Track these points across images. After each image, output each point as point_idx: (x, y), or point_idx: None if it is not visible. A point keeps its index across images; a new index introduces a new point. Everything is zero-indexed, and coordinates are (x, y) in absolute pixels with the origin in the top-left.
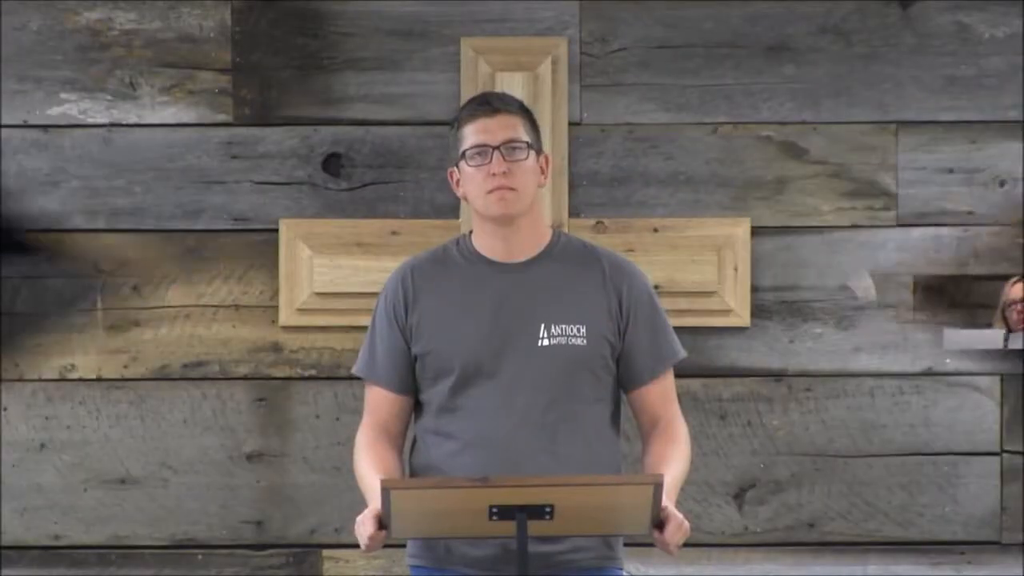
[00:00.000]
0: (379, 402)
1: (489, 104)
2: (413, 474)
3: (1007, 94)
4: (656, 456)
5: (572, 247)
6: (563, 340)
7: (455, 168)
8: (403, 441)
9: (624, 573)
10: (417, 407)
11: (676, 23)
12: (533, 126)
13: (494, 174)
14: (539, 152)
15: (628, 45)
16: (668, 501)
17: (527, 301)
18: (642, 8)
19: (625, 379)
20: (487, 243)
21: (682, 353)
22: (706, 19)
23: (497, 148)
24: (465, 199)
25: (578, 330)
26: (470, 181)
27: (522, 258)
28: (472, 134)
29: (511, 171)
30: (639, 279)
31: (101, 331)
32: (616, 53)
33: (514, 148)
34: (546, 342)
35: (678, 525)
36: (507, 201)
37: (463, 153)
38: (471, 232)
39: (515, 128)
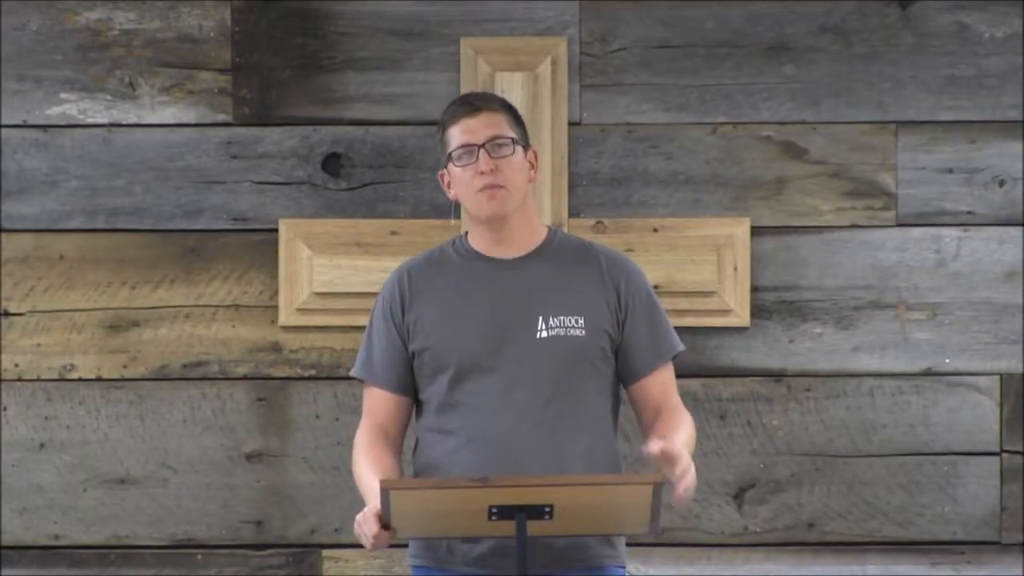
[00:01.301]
0: (377, 403)
1: (470, 103)
2: (417, 474)
3: (1007, 94)
4: (663, 428)
5: (569, 243)
6: (562, 331)
7: (444, 171)
8: (401, 443)
9: (625, 571)
10: (418, 407)
11: (676, 23)
12: (518, 121)
13: (482, 172)
14: (526, 147)
15: (628, 45)
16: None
17: (524, 295)
18: (642, 8)
19: (625, 373)
20: (482, 241)
21: (680, 346)
22: (706, 19)
23: (482, 146)
24: (457, 200)
25: (576, 321)
26: (459, 182)
27: (518, 254)
28: (457, 135)
29: (499, 168)
30: (636, 274)
31: (101, 331)
32: (616, 53)
33: (499, 144)
34: (544, 334)
35: (685, 468)
36: (498, 200)
37: (450, 155)
38: (467, 232)
39: (498, 125)
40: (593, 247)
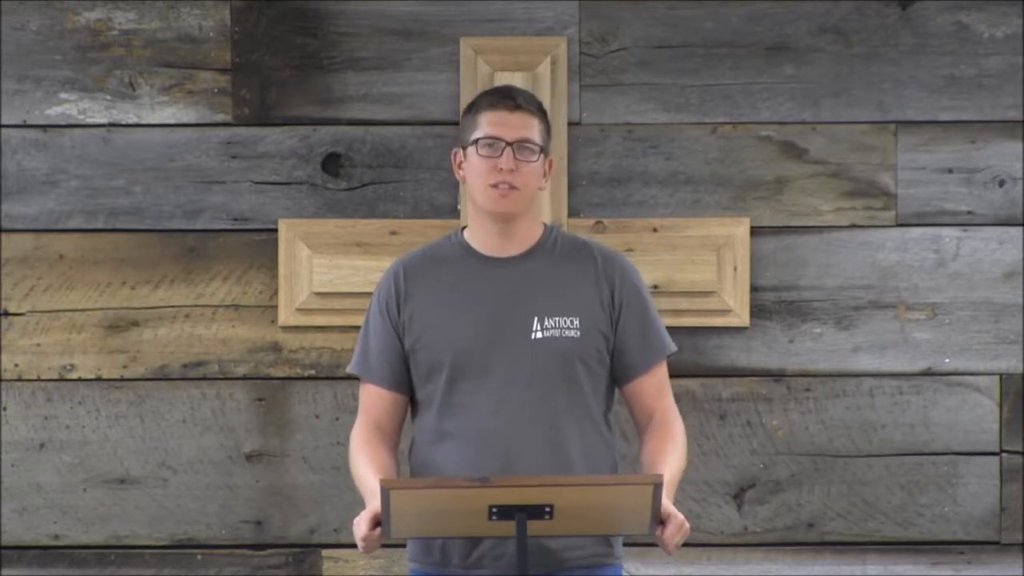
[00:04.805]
0: (372, 400)
1: (512, 99)
2: (413, 473)
3: (1007, 94)
4: (652, 454)
5: (564, 241)
6: (556, 332)
7: (460, 150)
8: (397, 439)
9: (624, 571)
10: (414, 406)
11: (676, 23)
12: (547, 129)
13: (501, 169)
14: (547, 155)
15: (628, 45)
16: (667, 499)
17: (520, 295)
18: (642, 8)
19: (619, 373)
20: (481, 237)
21: (672, 347)
22: (706, 19)
23: (510, 144)
24: (463, 182)
25: (571, 322)
26: (474, 170)
27: (515, 252)
28: (488, 124)
29: (518, 170)
30: (630, 271)
31: (101, 331)
32: (616, 53)
33: (526, 148)
34: (539, 335)
35: (678, 526)
36: (508, 199)
37: (475, 140)
38: (464, 228)
39: (531, 128)
40: (588, 244)
